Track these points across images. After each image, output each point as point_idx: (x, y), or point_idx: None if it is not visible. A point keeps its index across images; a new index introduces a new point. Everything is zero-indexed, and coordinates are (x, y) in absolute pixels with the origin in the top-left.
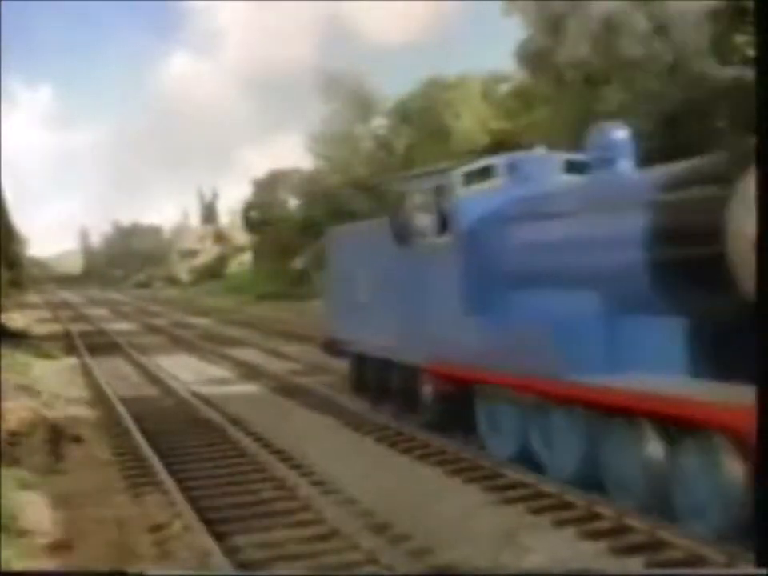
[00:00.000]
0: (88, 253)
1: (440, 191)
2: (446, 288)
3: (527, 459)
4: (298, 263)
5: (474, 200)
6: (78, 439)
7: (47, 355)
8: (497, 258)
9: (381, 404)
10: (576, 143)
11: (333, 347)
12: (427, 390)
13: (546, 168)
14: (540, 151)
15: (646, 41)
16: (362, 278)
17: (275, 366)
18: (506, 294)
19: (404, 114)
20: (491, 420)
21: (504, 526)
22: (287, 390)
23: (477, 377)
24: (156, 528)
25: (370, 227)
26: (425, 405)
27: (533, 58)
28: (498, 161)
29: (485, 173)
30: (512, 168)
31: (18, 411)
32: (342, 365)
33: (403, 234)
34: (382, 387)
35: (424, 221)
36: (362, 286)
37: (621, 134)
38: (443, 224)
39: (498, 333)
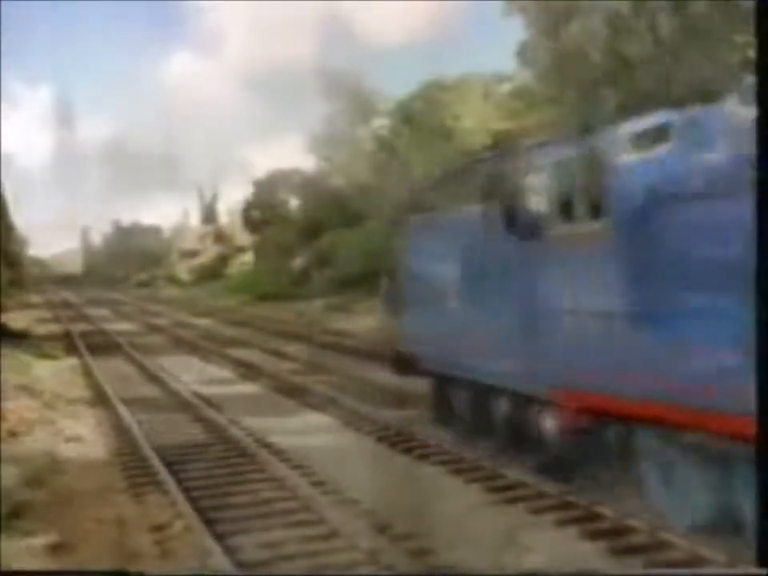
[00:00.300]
0: (88, 252)
1: (589, 161)
2: (595, 291)
3: (725, 525)
4: (298, 263)
5: (641, 172)
6: (78, 439)
7: (48, 355)
8: (679, 250)
9: (475, 438)
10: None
11: (407, 364)
12: (551, 424)
13: (733, 127)
14: (730, 106)
15: (645, 40)
16: (453, 278)
17: (276, 365)
18: (693, 299)
19: (405, 114)
20: (663, 471)
21: (505, 526)
22: (288, 389)
23: (648, 412)
24: (157, 528)
25: (467, 214)
26: (546, 443)
27: (534, 58)
28: (673, 118)
29: (654, 135)
30: (691, 127)
31: (18, 411)
32: (343, 364)
33: (522, 222)
34: (479, 417)
35: (556, 203)
36: (453, 288)
37: None
38: (593, 206)
39: (694, 355)
